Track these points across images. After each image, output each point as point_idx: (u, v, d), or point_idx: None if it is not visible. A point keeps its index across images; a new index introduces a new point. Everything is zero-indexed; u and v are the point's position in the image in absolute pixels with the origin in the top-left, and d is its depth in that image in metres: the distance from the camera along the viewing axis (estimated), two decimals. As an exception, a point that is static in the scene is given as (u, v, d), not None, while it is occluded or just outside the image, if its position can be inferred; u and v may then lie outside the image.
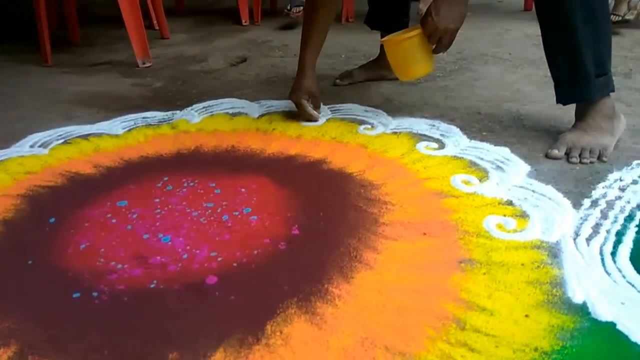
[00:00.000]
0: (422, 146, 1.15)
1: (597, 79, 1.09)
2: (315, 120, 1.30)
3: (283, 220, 0.90)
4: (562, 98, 1.16)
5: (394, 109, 1.38)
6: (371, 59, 1.66)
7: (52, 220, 0.92)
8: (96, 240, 0.86)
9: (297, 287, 0.73)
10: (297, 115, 1.32)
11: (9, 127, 1.31)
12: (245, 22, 2.46)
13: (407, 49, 1.19)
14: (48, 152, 1.17)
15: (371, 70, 1.62)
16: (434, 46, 1.18)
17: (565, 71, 1.12)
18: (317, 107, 1.33)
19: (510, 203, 0.93)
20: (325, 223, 0.89)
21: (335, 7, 1.37)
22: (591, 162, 1.05)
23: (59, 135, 1.25)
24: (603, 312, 0.65)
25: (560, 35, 1.09)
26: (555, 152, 1.09)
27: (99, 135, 1.26)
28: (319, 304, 0.70)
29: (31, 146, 1.20)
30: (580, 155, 1.07)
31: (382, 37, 1.57)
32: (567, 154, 1.08)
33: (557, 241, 0.81)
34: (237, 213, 0.92)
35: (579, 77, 1.10)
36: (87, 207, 0.95)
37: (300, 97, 1.29)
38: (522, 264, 0.76)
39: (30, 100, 1.52)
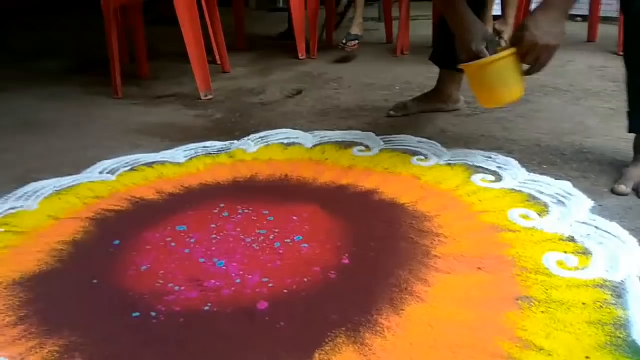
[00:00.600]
0: (477, 178, 1.13)
1: None
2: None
3: (333, 249, 0.90)
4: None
5: (449, 141, 1.37)
6: (425, 91, 1.66)
7: (117, 242, 0.97)
8: (156, 262, 0.89)
9: (346, 317, 0.73)
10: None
11: (80, 154, 1.41)
12: (302, 56, 2.53)
13: (499, 71, 1.06)
14: (115, 178, 1.25)
15: (425, 102, 1.61)
16: (525, 67, 1.08)
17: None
18: (495, 50, 1.11)
19: (572, 239, 0.89)
20: (376, 254, 0.89)
21: None
22: None
23: (125, 163, 1.33)
24: (674, 358, 0.61)
25: None
26: (623, 187, 1.04)
27: (163, 163, 1.33)
28: (368, 334, 0.69)
29: (100, 172, 1.28)
30: None
31: (443, 72, 1.57)
32: (636, 190, 1.03)
33: (621, 281, 0.77)
34: (288, 240, 0.94)
35: None
36: (149, 230, 1.00)
37: (479, 45, 1.09)
38: (584, 304, 0.73)
39: (101, 130, 1.63)
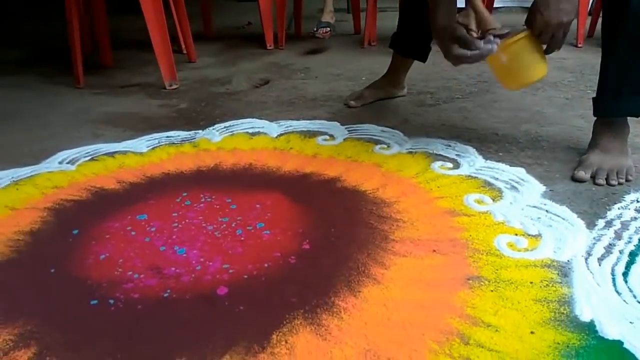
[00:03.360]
0: (437, 166, 1.16)
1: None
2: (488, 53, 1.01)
3: (295, 236, 0.91)
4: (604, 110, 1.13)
5: (411, 130, 1.39)
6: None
7: (76, 232, 0.96)
8: (115, 251, 0.89)
9: (304, 300, 0.74)
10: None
11: (40, 144, 1.38)
12: (270, 46, 2.53)
13: (517, 54, 1.05)
14: (75, 168, 1.23)
15: (379, 89, 1.64)
16: (544, 46, 1.07)
17: (613, 82, 1.08)
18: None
19: (522, 223, 0.92)
20: (336, 239, 0.90)
21: None
22: (619, 184, 1.04)
23: (86, 153, 1.31)
24: (610, 330, 0.65)
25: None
26: (582, 174, 1.07)
27: (124, 153, 1.31)
28: (325, 316, 0.71)
29: (60, 162, 1.26)
30: (607, 177, 1.05)
31: (397, 58, 1.59)
32: (593, 177, 1.07)
33: (568, 260, 0.81)
34: (250, 228, 0.94)
35: (627, 90, 1.07)
36: (108, 220, 0.99)
37: (458, 30, 1.01)
38: (531, 282, 0.76)
39: (61, 120, 1.59)
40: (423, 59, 1.55)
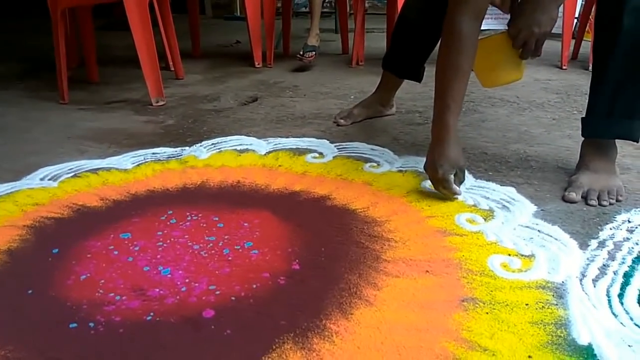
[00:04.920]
0: (427, 184, 1.15)
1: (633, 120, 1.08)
2: (456, 197, 1.07)
3: (284, 255, 0.89)
4: (595, 131, 1.12)
5: (401, 148, 1.39)
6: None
7: (56, 251, 0.92)
8: (97, 271, 0.85)
9: (294, 323, 0.72)
10: (436, 188, 1.09)
11: (22, 160, 1.34)
12: (258, 64, 2.53)
13: (491, 51, 1.08)
14: (57, 185, 1.19)
15: (368, 108, 1.65)
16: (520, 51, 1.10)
17: (604, 103, 1.08)
18: (460, 183, 1.08)
19: (515, 243, 0.91)
20: (327, 259, 0.88)
21: (478, 37, 1.07)
22: (610, 204, 1.04)
23: (69, 169, 1.27)
24: (609, 354, 0.63)
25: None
26: (573, 195, 1.06)
27: (108, 169, 1.28)
28: (316, 340, 0.68)
29: (41, 179, 1.22)
30: (599, 198, 1.05)
31: (388, 76, 1.60)
32: (584, 197, 1.06)
33: (562, 282, 0.79)
34: (238, 247, 0.92)
35: (618, 112, 1.07)
36: (90, 238, 0.96)
37: (447, 174, 1.04)
38: (526, 304, 0.74)
39: (45, 135, 1.56)
40: (418, 79, 1.55)
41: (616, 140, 1.13)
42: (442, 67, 1.07)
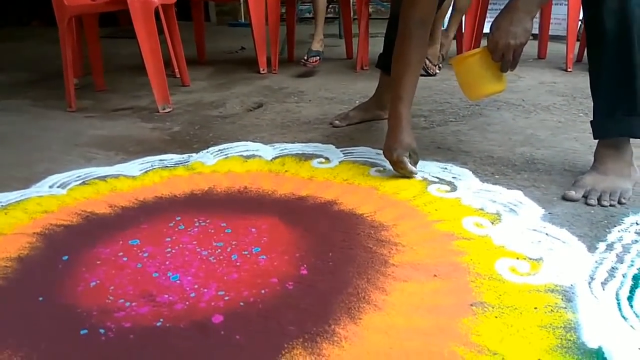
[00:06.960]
0: (433, 188, 1.15)
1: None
2: (413, 176, 1.21)
3: (292, 260, 0.89)
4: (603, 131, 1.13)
5: (406, 153, 1.39)
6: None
7: (65, 258, 0.93)
8: (106, 278, 0.86)
9: (303, 328, 0.72)
10: (395, 170, 1.23)
11: (31, 168, 1.35)
12: (263, 70, 2.54)
13: (472, 67, 1.15)
14: (66, 192, 1.20)
15: (365, 111, 1.67)
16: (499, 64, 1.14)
17: (605, 103, 1.10)
18: (415, 164, 1.24)
19: (523, 246, 0.91)
20: (334, 263, 0.88)
21: (427, 38, 1.26)
22: (611, 205, 1.04)
23: (77, 177, 1.29)
24: (619, 357, 0.63)
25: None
26: (572, 193, 1.07)
27: (116, 176, 1.29)
28: (325, 345, 0.69)
29: (50, 187, 1.23)
30: (599, 198, 1.05)
31: (385, 78, 1.60)
32: (585, 197, 1.07)
33: (571, 285, 0.79)
34: (246, 253, 0.92)
35: (618, 111, 1.08)
36: (99, 245, 0.96)
37: (401, 155, 1.20)
38: (535, 308, 0.74)
39: (53, 143, 1.57)
40: None
41: (632, 142, 1.13)
42: (396, 64, 1.24)
